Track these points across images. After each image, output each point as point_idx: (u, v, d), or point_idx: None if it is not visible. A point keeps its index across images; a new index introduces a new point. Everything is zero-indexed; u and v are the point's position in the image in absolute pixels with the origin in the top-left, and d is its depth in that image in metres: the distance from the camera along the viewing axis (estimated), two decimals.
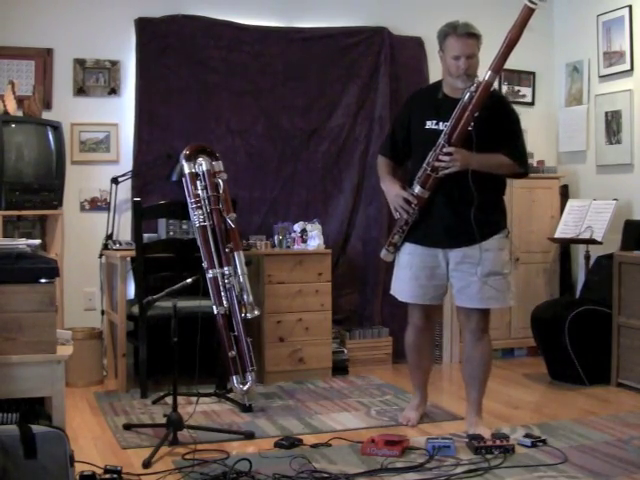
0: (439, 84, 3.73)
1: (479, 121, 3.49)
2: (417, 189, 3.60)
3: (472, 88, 3.45)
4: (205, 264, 4.20)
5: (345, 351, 5.18)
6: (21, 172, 4.51)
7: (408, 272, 3.72)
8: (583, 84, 5.74)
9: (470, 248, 3.59)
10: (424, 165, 3.56)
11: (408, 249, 3.72)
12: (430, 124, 3.62)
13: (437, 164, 3.52)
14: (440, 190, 3.58)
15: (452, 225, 3.60)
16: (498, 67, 3.47)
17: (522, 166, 3.68)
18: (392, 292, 3.88)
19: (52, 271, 3.05)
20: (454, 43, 3.53)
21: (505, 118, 3.65)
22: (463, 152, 3.49)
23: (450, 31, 3.55)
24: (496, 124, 3.58)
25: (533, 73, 6.02)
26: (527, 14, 3.38)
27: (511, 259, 3.86)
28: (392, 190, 3.72)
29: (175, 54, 5.11)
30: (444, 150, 3.50)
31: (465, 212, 3.53)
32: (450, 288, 3.76)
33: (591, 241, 5.26)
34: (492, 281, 3.60)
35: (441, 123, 3.57)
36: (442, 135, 3.52)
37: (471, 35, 3.52)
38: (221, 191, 4.29)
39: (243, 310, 4.21)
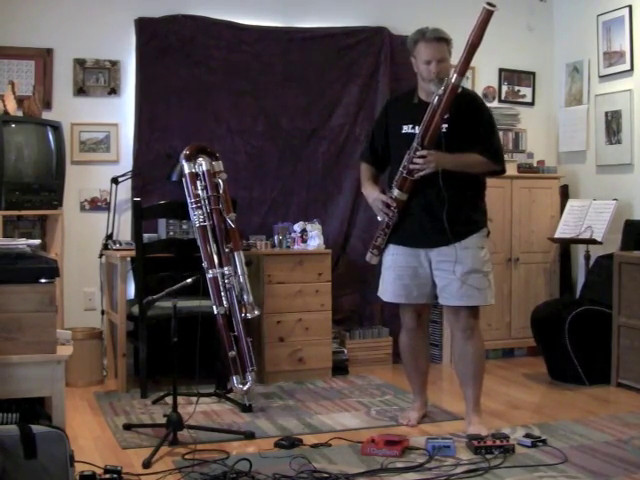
0: (414, 90, 3.78)
1: (453, 122, 3.56)
2: (395, 192, 3.67)
3: (440, 91, 3.51)
4: (205, 264, 4.20)
5: (345, 351, 5.18)
6: (21, 172, 4.51)
7: (392, 273, 3.79)
8: (583, 84, 5.74)
9: (447, 247, 3.64)
10: (400, 169, 3.63)
11: (392, 250, 3.79)
12: (407, 129, 3.69)
13: (412, 167, 3.58)
14: (416, 192, 3.64)
15: (429, 225, 3.66)
16: (463, 70, 3.52)
17: (498, 164, 3.71)
18: (378, 294, 3.95)
19: (52, 271, 3.05)
20: (424, 48, 3.60)
21: (478, 117, 3.69)
22: (436, 154, 3.55)
23: (419, 37, 3.63)
24: (470, 123, 3.64)
25: (533, 73, 6.03)
26: (486, 17, 3.43)
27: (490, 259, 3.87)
28: (372, 194, 3.81)
29: (175, 54, 5.11)
30: (417, 153, 3.56)
31: (440, 212, 3.58)
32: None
33: (591, 241, 5.26)
34: (472, 279, 3.63)
35: (417, 127, 3.62)
36: (415, 138, 3.57)
37: (440, 39, 3.61)
38: (221, 191, 4.29)
39: (243, 310, 4.21)
